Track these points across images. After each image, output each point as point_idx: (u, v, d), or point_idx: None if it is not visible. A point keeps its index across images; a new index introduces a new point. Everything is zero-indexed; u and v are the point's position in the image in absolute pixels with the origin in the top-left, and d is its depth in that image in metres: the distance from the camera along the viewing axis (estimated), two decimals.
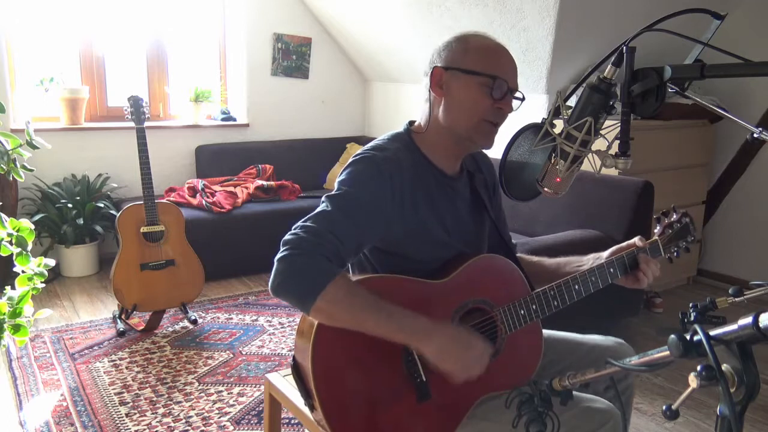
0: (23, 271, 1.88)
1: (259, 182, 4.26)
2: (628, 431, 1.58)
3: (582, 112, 1.13)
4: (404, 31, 4.14)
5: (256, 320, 3.27)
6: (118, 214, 3.02)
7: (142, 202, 3.01)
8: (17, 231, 1.83)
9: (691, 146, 3.64)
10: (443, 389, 1.28)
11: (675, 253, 1.53)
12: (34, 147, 1.96)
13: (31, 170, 2.05)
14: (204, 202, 3.90)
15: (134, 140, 3.00)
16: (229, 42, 4.70)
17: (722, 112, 1.18)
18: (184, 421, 2.31)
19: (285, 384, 1.62)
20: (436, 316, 1.28)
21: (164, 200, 3.57)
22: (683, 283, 3.93)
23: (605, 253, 1.47)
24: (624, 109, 1.09)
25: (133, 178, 4.12)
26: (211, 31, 4.67)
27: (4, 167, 1.84)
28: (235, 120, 4.69)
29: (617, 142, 1.11)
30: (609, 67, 1.11)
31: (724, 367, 0.76)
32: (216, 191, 4.11)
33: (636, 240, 1.47)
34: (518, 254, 1.59)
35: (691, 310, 1.04)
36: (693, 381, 0.74)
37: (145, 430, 2.25)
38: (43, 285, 1.96)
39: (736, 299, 1.08)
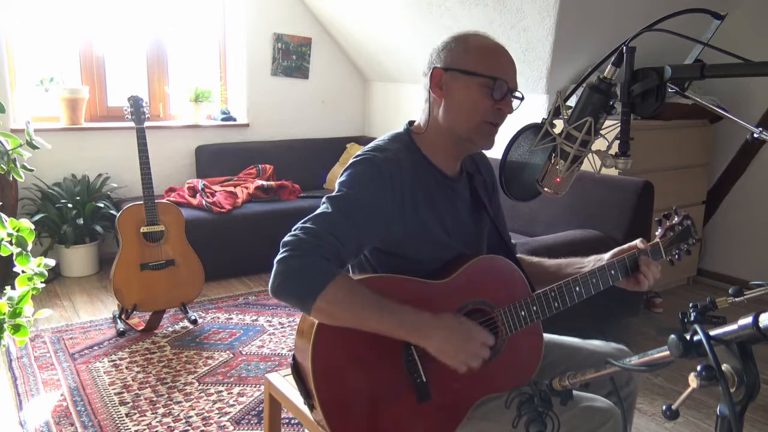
0: (23, 271, 1.88)
1: (259, 182, 4.26)
2: None
3: (582, 112, 1.13)
4: (404, 31, 4.14)
5: (256, 320, 3.27)
6: (118, 214, 3.02)
7: (142, 202, 3.01)
8: (17, 231, 1.83)
9: (691, 146, 3.64)
10: (443, 389, 1.28)
11: (676, 255, 1.53)
12: (34, 147, 1.96)
13: (31, 170, 2.05)
14: (204, 202, 3.90)
15: (134, 140, 3.00)
16: (229, 42, 4.70)
17: (722, 112, 1.18)
18: (184, 421, 2.31)
19: (285, 384, 1.62)
20: None
21: (164, 200, 3.57)
22: (683, 283, 3.93)
23: (606, 255, 1.47)
24: (624, 109, 1.10)
25: (133, 178, 4.12)
26: (211, 31, 4.67)
27: (4, 167, 1.84)
28: (235, 120, 4.69)
29: (617, 142, 1.11)
30: (609, 67, 1.11)
31: (724, 367, 0.76)
32: (216, 191, 4.11)
33: (637, 242, 1.47)
34: (518, 255, 1.58)
35: (691, 310, 1.04)
36: (693, 381, 0.74)
37: (145, 430, 2.25)
38: (43, 285, 1.96)
39: (736, 299, 1.08)
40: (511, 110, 1.33)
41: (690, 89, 1.12)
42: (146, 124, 3.05)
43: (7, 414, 2.36)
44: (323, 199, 1.28)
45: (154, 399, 2.46)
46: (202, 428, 2.27)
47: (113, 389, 2.53)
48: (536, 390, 1.09)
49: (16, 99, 3.97)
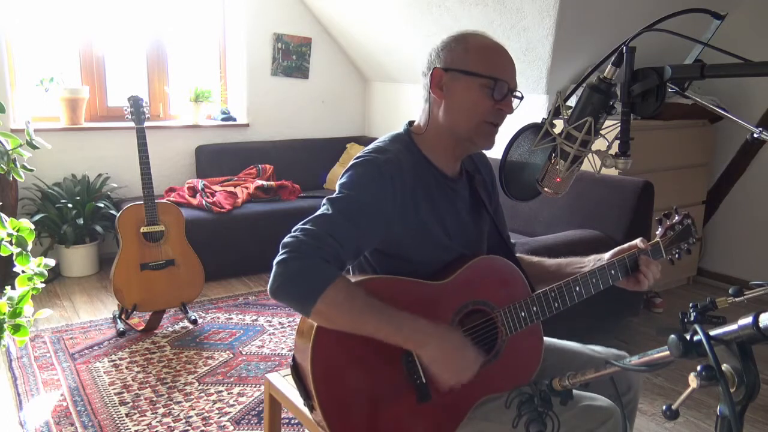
0: (23, 271, 1.88)
1: (259, 182, 4.26)
2: None
3: (582, 112, 1.13)
4: (404, 31, 4.15)
5: (256, 320, 3.27)
6: (118, 214, 3.02)
7: (142, 202, 3.01)
8: (17, 231, 1.83)
9: (691, 146, 3.64)
10: (443, 390, 1.28)
11: (677, 255, 1.53)
12: (34, 147, 1.96)
13: (31, 170, 2.05)
14: (204, 202, 3.90)
15: (134, 140, 3.00)
16: (229, 42, 4.70)
17: (722, 112, 1.19)
18: (184, 421, 2.31)
19: (285, 384, 1.62)
20: (436, 317, 1.27)
21: (164, 200, 3.57)
22: (683, 283, 3.93)
23: (607, 255, 1.47)
24: (624, 109, 1.09)
25: (133, 178, 4.12)
26: (211, 31, 4.68)
27: (4, 167, 1.84)
28: (235, 120, 4.69)
29: (617, 142, 1.11)
30: (609, 67, 1.11)
31: (724, 367, 0.76)
32: (216, 191, 4.11)
33: (637, 241, 1.47)
34: (518, 254, 1.58)
35: (691, 310, 1.04)
36: (693, 381, 0.74)
37: (145, 430, 2.25)
38: (43, 285, 1.97)
39: (736, 299, 1.08)
40: (511, 110, 1.33)
41: (690, 89, 1.12)
42: (146, 124, 3.05)
43: (7, 414, 2.36)
44: (323, 201, 1.28)
45: (154, 399, 2.46)
46: (202, 428, 2.27)
47: (113, 389, 2.53)
48: (536, 390, 1.09)
49: (16, 99, 3.97)
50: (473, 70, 1.30)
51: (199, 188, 4.06)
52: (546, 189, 1.22)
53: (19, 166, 1.90)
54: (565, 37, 3.27)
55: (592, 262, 1.48)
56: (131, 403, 2.42)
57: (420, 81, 1.40)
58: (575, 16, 3.18)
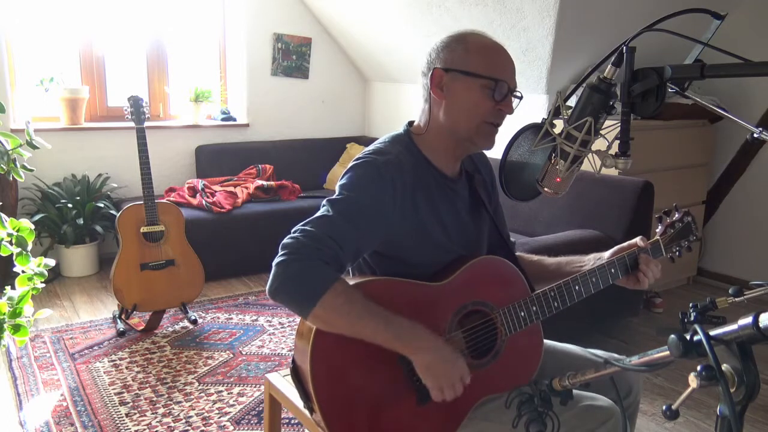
0: (23, 271, 1.88)
1: (259, 182, 4.26)
2: None
3: (582, 112, 1.13)
4: (404, 31, 4.15)
5: (256, 320, 3.27)
6: (118, 214, 3.02)
7: (142, 202, 3.01)
8: (17, 231, 1.83)
9: (691, 146, 3.64)
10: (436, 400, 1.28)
11: (677, 253, 1.52)
12: (34, 147, 1.96)
13: (31, 170, 2.05)
14: (204, 202, 3.90)
15: (134, 140, 3.00)
16: (229, 42, 4.70)
17: (722, 112, 1.19)
18: (184, 421, 2.31)
19: (285, 384, 1.62)
20: (435, 318, 1.27)
21: (164, 200, 3.57)
22: (683, 283, 3.93)
23: (607, 254, 1.47)
24: (624, 109, 1.10)
25: (133, 178, 4.12)
26: (211, 31, 4.67)
27: (4, 167, 1.84)
28: (235, 120, 4.69)
29: (617, 142, 1.11)
30: (609, 67, 1.11)
31: (724, 367, 0.76)
32: (216, 191, 4.11)
33: (637, 240, 1.47)
34: (518, 253, 1.58)
35: (691, 310, 1.04)
36: (693, 381, 0.74)
37: (145, 430, 2.25)
38: (43, 285, 1.97)
39: (736, 299, 1.08)
40: (511, 111, 1.33)
41: (690, 89, 1.12)
42: (146, 124, 3.05)
43: (7, 414, 2.36)
44: (323, 202, 1.28)
45: (154, 399, 2.46)
46: (202, 428, 2.27)
47: (113, 389, 2.53)
48: (536, 390, 1.09)
49: (16, 99, 3.97)
50: (474, 71, 1.29)
51: (199, 188, 4.06)
52: (546, 189, 1.22)
53: (19, 166, 1.90)
54: (565, 37, 3.27)
55: (592, 260, 1.48)
56: (131, 403, 2.42)
57: (419, 81, 1.40)
58: (575, 16, 3.18)
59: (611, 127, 1.15)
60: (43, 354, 2.84)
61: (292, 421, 2.29)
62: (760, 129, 1.06)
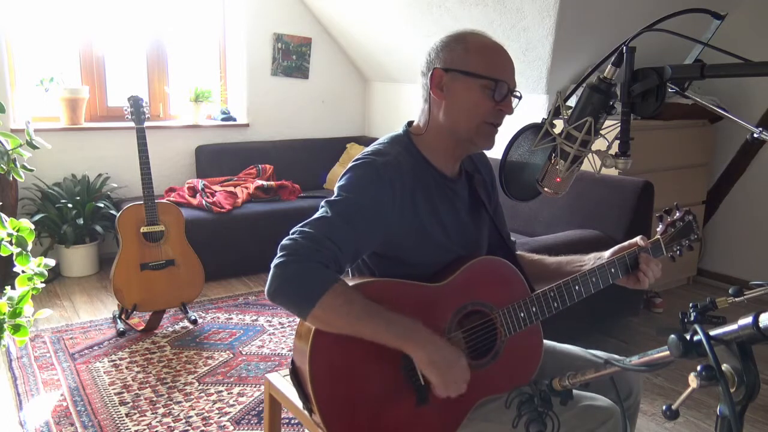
0: (23, 271, 1.88)
1: (259, 182, 4.26)
2: None
3: (582, 112, 1.13)
4: (404, 31, 4.15)
5: (256, 320, 3.27)
6: (118, 214, 3.02)
7: (142, 202, 3.01)
8: (17, 231, 1.83)
9: (691, 146, 3.64)
10: (439, 397, 1.27)
11: (678, 252, 1.52)
12: (34, 147, 1.96)
13: (31, 170, 2.05)
14: (204, 202, 3.90)
15: (134, 140, 3.00)
16: (229, 42, 4.70)
17: (722, 112, 1.19)
18: (184, 421, 2.31)
19: (285, 384, 1.62)
20: (435, 319, 1.27)
21: (164, 200, 3.57)
22: (683, 283, 3.93)
23: (607, 253, 1.47)
24: (624, 109, 1.10)
25: (133, 178, 4.12)
26: (211, 31, 4.68)
27: (4, 167, 1.84)
28: (235, 120, 4.69)
29: (617, 142, 1.11)
30: (609, 67, 1.11)
31: (724, 367, 0.76)
32: (216, 191, 4.11)
33: (638, 239, 1.47)
34: (518, 252, 1.58)
35: (691, 310, 1.04)
36: (693, 381, 0.74)
37: (145, 430, 2.25)
38: (43, 285, 1.97)
39: (736, 299, 1.08)
40: (511, 111, 1.33)
41: (690, 89, 1.12)
42: (146, 124, 3.05)
43: (7, 414, 2.36)
44: (322, 203, 1.28)
45: (154, 399, 2.46)
46: (202, 428, 2.27)
47: (113, 389, 2.53)
48: (536, 390, 1.09)
49: (16, 99, 3.97)
50: (474, 71, 1.29)
51: (199, 188, 4.06)
52: (546, 189, 1.22)
53: (19, 166, 1.90)
54: (565, 37, 3.27)
55: (592, 260, 1.48)
56: (131, 403, 2.42)
57: (419, 81, 1.40)
58: (575, 16, 3.18)
59: (611, 127, 1.15)
60: (43, 354, 2.84)
61: (292, 421, 2.29)
62: (760, 129, 1.06)
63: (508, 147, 1.35)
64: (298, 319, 1.29)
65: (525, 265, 1.52)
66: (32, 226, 1.88)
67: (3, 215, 1.83)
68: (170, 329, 3.13)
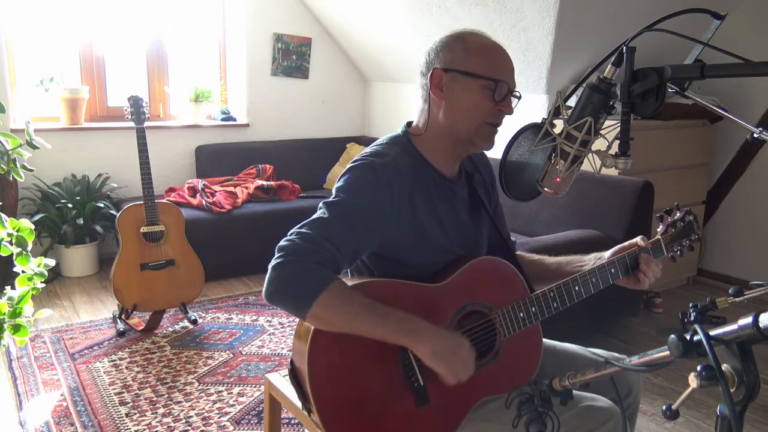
0: (23, 271, 1.88)
1: (259, 182, 4.26)
2: None
3: (582, 112, 1.13)
4: (404, 31, 4.15)
5: (256, 320, 3.27)
6: (118, 214, 3.02)
7: (142, 202, 3.01)
8: (17, 231, 1.83)
9: (691, 146, 3.64)
10: (441, 392, 1.27)
11: (678, 252, 1.52)
12: (34, 147, 1.96)
13: (31, 170, 2.05)
14: (204, 202, 3.90)
15: (134, 140, 3.00)
16: (229, 42, 4.70)
17: (722, 112, 1.19)
18: (184, 421, 2.31)
19: (285, 384, 1.62)
20: (434, 319, 1.27)
21: (164, 200, 3.57)
22: (683, 283, 3.93)
23: (607, 253, 1.46)
24: (624, 109, 1.09)
25: (133, 178, 4.12)
26: (211, 31, 4.68)
27: (4, 167, 1.84)
28: (235, 120, 4.69)
29: (617, 142, 1.11)
30: (609, 67, 1.11)
31: (724, 367, 0.76)
32: (216, 191, 4.11)
33: (638, 240, 1.46)
34: (519, 252, 1.58)
35: (691, 310, 1.04)
36: (693, 381, 0.74)
37: (145, 430, 2.25)
38: (43, 285, 1.97)
39: (736, 299, 1.08)
40: (511, 111, 1.33)
41: (690, 89, 1.12)
42: (146, 124, 3.05)
43: (7, 414, 2.36)
44: (320, 204, 1.28)
45: (154, 399, 2.46)
46: (202, 428, 2.27)
47: (113, 389, 2.53)
48: (536, 390, 1.09)
49: (16, 99, 3.97)
50: (473, 71, 1.29)
51: (199, 188, 4.06)
52: (546, 189, 1.22)
53: (19, 166, 1.90)
54: (565, 37, 3.27)
55: (592, 260, 1.47)
56: (131, 403, 2.42)
57: (418, 81, 1.40)
58: (575, 16, 3.18)
59: (611, 127, 1.15)
60: (43, 354, 2.84)
61: (292, 421, 2.29)
62: (760, 129, 1.06)
63: (508, 147, 1.35)
64: (297, 320, 1.29)
65: (525, 266, 1.52)
66: (32, 226, 1.88)
67: (3, 215, 1.83)
68: (170, 329, 3.13)
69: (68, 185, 3.94)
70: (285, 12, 4.68)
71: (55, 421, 2.30)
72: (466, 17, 3.57)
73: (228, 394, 2.52)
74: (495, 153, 1.39)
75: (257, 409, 2.40)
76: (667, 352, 0.82)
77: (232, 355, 2.86)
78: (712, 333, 0.76)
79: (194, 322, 3.19)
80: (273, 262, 1.18)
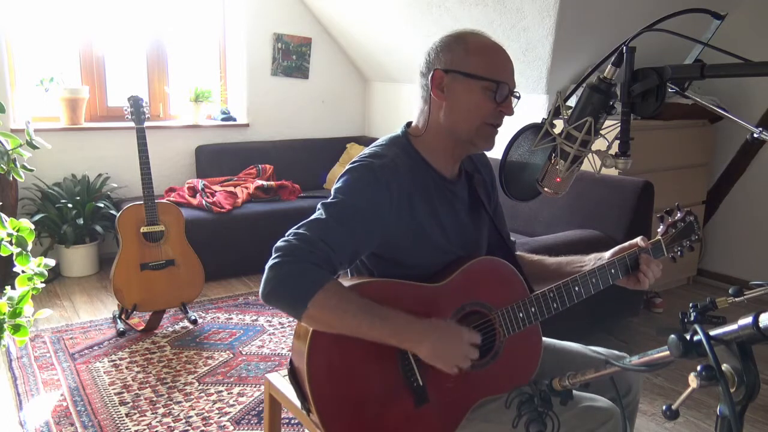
0: (23, 271, 1.88)
1: (259, 182, 4.26)
2: None
3: (582, 112, 1.13)
4: (404, 31, 4.15)
5: (256, 320, 3.27)
6: (118, 214, 3.02)
7: (142, 202, 3.01)
8: (17, 231, 1.83)
9: (691, 146, 3.64)
10: (441, 392, 1.27)
11: (679, 252, 1.51)
12: (34, 147, 1.96)
13: (31, 170, 2.05)
14: (204, 202, 3.90)
15: (134, 140, 3.00)
16: (229, 42, 4.70)
17: (722, 112, 1.19)
18: (184, 421, 2.31)
19: (285, 384, 1.62)
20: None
21: (164, 200, 3.57)
22: (683, 283, 3.93)
23: (607, 254, 1.46)
24: (624, 109, 1.10)
25: (133, 178, 4.12)
26: (211, 31, 4.68)
27: (4, 167, 1.84)
28: (235, 120, 4.69)
29: (617, 142, 1.11)
30: (609, 67, 1.11)
31: (724, 367, 0.76)
32: (216, 191, 4.11)
33: (638, 240, 1.46)
34: (518, 253, 1.58)
35: (691, 310, 1.04)
36: (693, 381, 0.74)
37: (145, 430, 2.25)
38: (43, 285, 1.97)
39: (736, 299, 1.08)
40: (512, 112, 1.33)
41: (690, 89, 1.12)
42: (146, 124, 3.05)
43: (7, 414, 2.36)
44: (318, 205, 1.28)
45: (154, 399, 2.46)
46: (202, 428, 2.27)
47: (113, 389, 2.53)
48: (536, 390, 1.09)
49: (16, 99, 3.97)
50: (474, 72, 1.29)
51: (199, 188, 4.06)
52: (546, 189, 1.22)
53: (19, 166, 1.90)
54: (565, 37, 3.27)
55: (592, 260, 1.47)
56: (131, 403, 2.42)
57: (418, 80, 1.40)
58: (575, 16, 3.18)
59: (611, 127, 1.15)
60: (43, 354, 2.84)
61: (292, 421, 2.29)
62: (760, 129, 1.06)
63: (508, 147, 1.35)
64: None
65: (525, 266, 1.52)
66: (32, 226, 1.88)
67: (3, 215, 1.83)
68: (170, 329, 3.13)
69: (68, 185, 3.94)
70: (285, 12, 4.68)
71: (55, 421, 2.30)
72: (466, 17, 3.57)
73: (228, 394, 2.52)
74: (495, 153, 1.39)
75: (257, 409, 2.40)
76: (667, 352, 0.82)
77: (232, 355, 2.86)
78: (712, 333, 0.76)
79: (194, 322, 3.19)
80: (270, 263, 1.18)
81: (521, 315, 1.35)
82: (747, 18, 3.55)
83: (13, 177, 1.91)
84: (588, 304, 1.46)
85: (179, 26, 4.49)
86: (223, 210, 3.89)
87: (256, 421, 2.32)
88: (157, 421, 2.30)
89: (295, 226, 1.24)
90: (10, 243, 1.83)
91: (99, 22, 4.17)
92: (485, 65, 1.29)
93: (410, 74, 4.55)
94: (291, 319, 3.26)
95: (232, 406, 2.42)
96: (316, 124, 5.00)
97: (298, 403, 1.37)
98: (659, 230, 1.53)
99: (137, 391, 2.52)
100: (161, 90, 4.48)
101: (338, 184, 1.30)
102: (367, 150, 1.37)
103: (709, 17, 1.11)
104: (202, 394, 2.50)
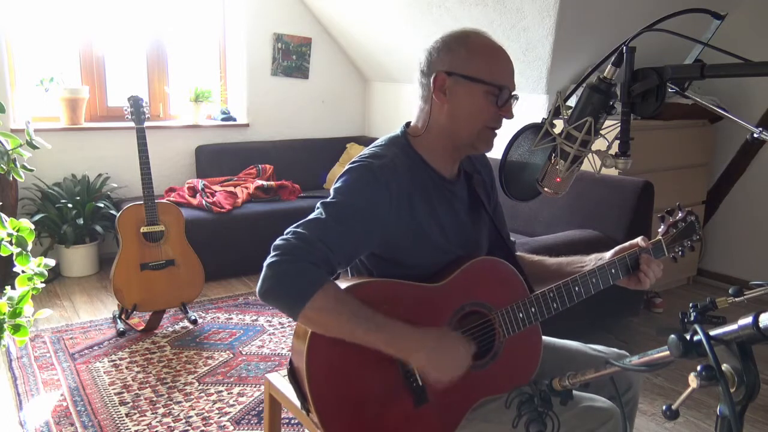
0: (23, 271, 1.88)
1: (259, 182, 4.26)
2: None
3: (582, 112, 1.13)
4: (404, 31, 4.15)
5: (256, 320, 3.27)
6: (118, 214, 3.02)
7: (142, 202, 3.01)
8: (17, 231, 1.83)
9: (691, 146, 3.64)
10: (441, 393, 1.27)
11: (680, 253, 1.51)
12: (34, 147, 1.96)
13: (31, 170, 2.05)
14: (204, 202, 3.90)
15: (134, 140, 3.00)
16: (229, 42, 4.70)
17: (722, 112, 1.19)
18: (184, 421, 2.31)
19: (285, 384, 1.61)
20: (433, 319, 1.27)
21: (164, 200, 3.57)
22: (683, 283, 3.93)
23: (608, 254, 1.46)
24: (624, 109, 1.10)
25: (133, 178, 4.12)
26: (211, 31, 4.68)
27: (4, 167, 1.84)
28: (235, 120, 4.69)
29: (617, 142, 1.11)
30: (609, 67, 1.11)
31: (724, 367, 0.76)
32: (216, 191, 4.11)
33: (638, 240, 1.46)
34: (519, 253, 1.58)
35: (691, 310, 1.04)
36: (693, 381, 0.74)
37: (145, 430, 2.25)
38: (43, 285, 1.97)
39: (736, 299, 1.08)
40: (512, 116, 1.33)
41: (690, 89, 1.12)
42: (146, 124, 3.05)
43: (7, 414, 2.36)
44: (317, 205, 1.28)
45: (154, 399, 2.46)
46: (202, 428, 2.27)
47: (113, 389, 2.53)
48: (536, 390, 1.09)
49: (16, 99, 3.97)
50: (477, 76, 1.29)
51: (199, 188, 4.06)
52: (546, 189, 1.22)
53: (19, 166, 1.90)
54: (565, 37, 3.27)
55: (593, 261, 1.47)
56: (131, 403, 2.42)
57: (417, 79, 1.39)
58: (575, 16, 3.18)
59: (611, 127, 1.15)
60: (43, 354, 2.84)
61: (292, 421, 2.29)
62: (760, 129, 1.06)
63: (508, 147, 1.35)
64: None
65: (525, 266, 1.52)
66: (32, 226, 1.88)
67: (3, 215, 1.83)
68: (170, 329, 3.13)
69: (68, 185, 3.94)
70: (285, 12, 4.68)
71: (55, 421, 2.30)
72: (466, 17, 3.57)
73: (228, 394, 2.52)
74: (495, 153, 1.39)
75: (257, 409, 2.40)
76: (667, 352, 0.82)
77: (232, 355, 2.86)
78: (712, 333, 0.76)
79: (194, 322, 3.19)
80: (268, 260, 1.18)
81: (521, 315, 1.35)
82: (747, 18, 3.55)
83: (13, 177, 1.91)
84: (588, 304, 1.46)
85: (179, 26, 4.49)
86: (223, 210, 3.89)
87: (256, 421, 2.32)
88: (157, 421, 2.30)
89: (294, 225, 1.23)
90: (10, 243, 1.83)
91: (99, 22, 4.17)
92: (487, 69, 1.29)
93: (410, 74, 4.51)
94: (291, 319, 3.25)
95: (232, 406, 2.42)
96: (316, 124, 5.00)
97: (297, 403, 1.37)
98: (660, 230, 1.53)
99: (137, 391, 2.52)
100: (161, 90, 4.48)
101: (337, 184, 1.30)
102: (366, 150, 1.37)
103: (709, 17, 1.11)
104: (202, 394, 2.50)
